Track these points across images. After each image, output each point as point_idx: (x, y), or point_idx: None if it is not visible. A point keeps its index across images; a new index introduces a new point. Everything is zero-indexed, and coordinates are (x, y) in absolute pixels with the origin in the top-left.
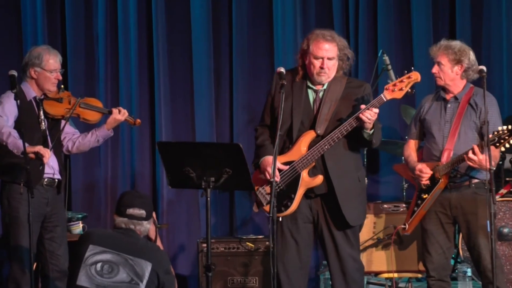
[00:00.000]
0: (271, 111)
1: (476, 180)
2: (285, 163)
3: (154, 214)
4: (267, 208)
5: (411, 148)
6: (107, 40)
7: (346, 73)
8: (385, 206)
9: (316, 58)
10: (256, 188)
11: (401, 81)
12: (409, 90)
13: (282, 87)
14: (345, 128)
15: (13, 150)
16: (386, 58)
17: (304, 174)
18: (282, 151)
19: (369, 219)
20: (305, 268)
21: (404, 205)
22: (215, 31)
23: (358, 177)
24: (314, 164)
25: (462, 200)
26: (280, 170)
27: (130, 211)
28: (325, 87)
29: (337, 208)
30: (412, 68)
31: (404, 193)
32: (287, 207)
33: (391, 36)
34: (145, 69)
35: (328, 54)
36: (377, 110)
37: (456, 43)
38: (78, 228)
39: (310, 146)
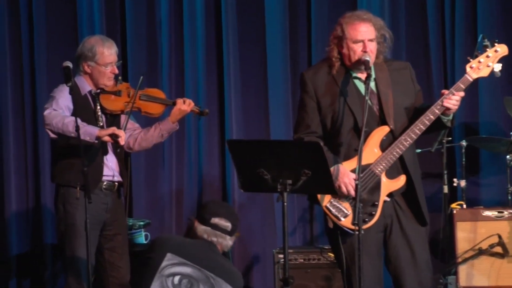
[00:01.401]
0: (321, 116)
1: None
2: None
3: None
4: (346, 222)
5: None
6: (171, 26)
7: (386, 55)
8: (487, 212)
9: (356, 42)
10: (325, 204)
11: (487, 56)
12: (496, 65)
13: (368, 78)
14: (427, 117)
15: (86, 138)
16: (487, 43)
17: (384, 177)
18: (347, 156)
19: (469, 227)
20: (380, 284)
21: (510, 210)
22: (292, 14)
23: (420, 171)
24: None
25: None
26: (354, 180)
27: (216, 220)
28: (372, 74)
29: (413, 208)
30: (497, 40)
31: (510, 197)
32: (371, 216)
33: (492, 18)
34: (213, 58)
35: (368, 36)
36: (462, 94)
37: None
38: (140, 236)
39: (382, 145)
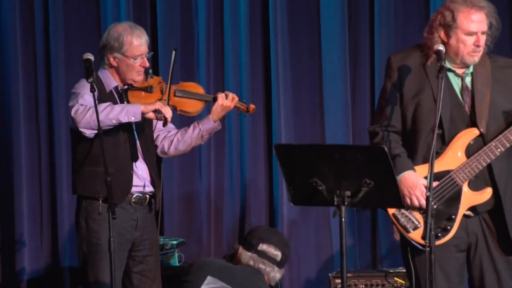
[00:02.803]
0: (402, 108)
1: None
2: (435, 174)
3: None
4: (415, 235)
5: None
6: (209, 12)
7: (490, 46)
8: None
9: (469, 34)
10: (392, 211)
11: None
12: None
13: (441, 71)
14: None
15: (131, 119)
16: None
17: (466, 187)
18: (426, 158)
19: None
20: None
21: None
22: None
23: None
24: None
25: None
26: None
27: (264, 247)
28: (470, 70)
29: (501, 228)
30: None
31: None
32: (446, 231)
33: None
34: (258, 48)
35: (482, 28)
36: None
37: None
38: (173, 258)
39: (467, 150)
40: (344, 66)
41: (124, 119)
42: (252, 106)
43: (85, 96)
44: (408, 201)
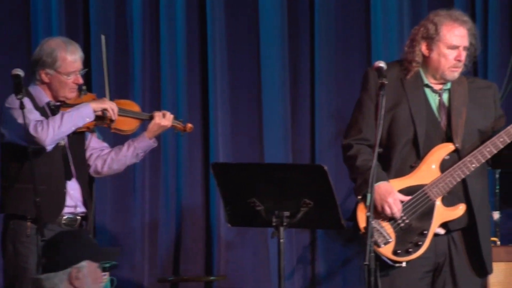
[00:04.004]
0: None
1: None
2: (409, 189)
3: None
4: (386, 250)
5: None
6: (145, 27)
7: (468, 66)
8: None
9: (451, 47)
10: (363, 225)
11: None
12: None
13: (382, 88)
14: (501, 139)
15: (85, 121)
16: None
17: (439, 202)
18: (399, 172)
19: (503, 269)
20: None
21: None
22: (291, 13)
23: (489, 206)
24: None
25: None
26: (401, 201)
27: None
28: (448, 86)
29: (472, 251)
30: None
31: None
32: (417, 247)
33: None
34: (195, 64)
35: (464, 42)
36: None
37: None
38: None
39: (442, 165)
40: (283, 83)
41: (80, 122)
42: (189, 125)
43: (33, 110)
44: (380, 208)
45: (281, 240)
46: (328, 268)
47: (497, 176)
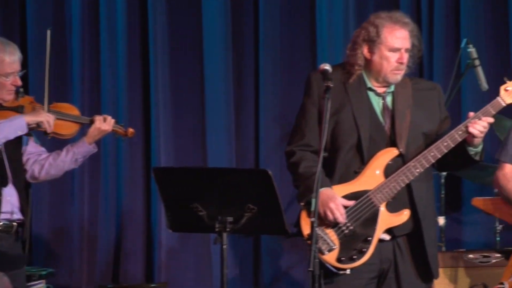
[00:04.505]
0: (320, 126)
1: None
2: (353, 194)
3: None
4: (329, 257)
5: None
6: (84, 28)
7: (411, 67)
8: (471, 256)
9: (393, 50)
10: (307, 232)
11: None
12: None
13: (328, 91)
14: (445, 143)
15: (17, 133)
16: (472, 50)
17: (384, 208)
18: (343, 178)
19: (448, 274)
20: None
21: (497, 254)
22: (235, 15)
23: (435, 211)
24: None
25: None
26: (345, 207)
27: None
28: (391, 89)
29: (417, 256)
30: None
31: (498, 238)
32: (361, 254)
33: (478, 21)
34: (137, 67)
35: (406, 44)
36: (491, 120)
37: None
38: None
39: (386, 170)
40: (227, 86)
41: (12, 135)
42: (130, 130)
43: None
44: (322, 214)
45: (224, 246)
46: (272, 274)
47: (442, 181)
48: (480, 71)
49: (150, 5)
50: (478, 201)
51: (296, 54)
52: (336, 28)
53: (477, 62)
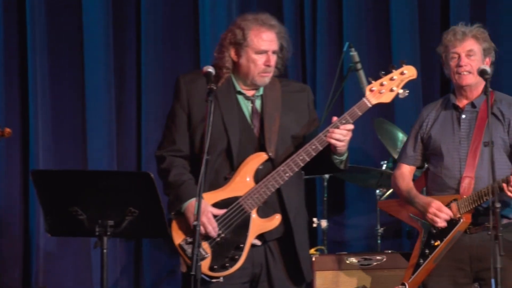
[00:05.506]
0: (190, 131)
1: (506, 221)
2: (224, 201)
3: None
4: (202, 266)
5: (408, 178)
6: None
7: (281, 69)
8: (352, 259)
9: (259, 52)
10: (178, 242)
11: (391, 79)
12: (401, 91)
13: (211, 94)
14: (313, 146)
15: None
16: (354, 54)
17: (255, 214)
18: (214, 184)
19: (330, 277)
20: None
21: (378, 257)
22: (117, 13)
23: (306, 214)
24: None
25: (487, 250)
26: (215, 216)
27: None
28: (260, 92)
29: (289, 260)
30: (404, 61)
31: (379, 241)
32: (234, 261)
33: (361, 25)
34: (14, 66)
35: (273, 47)
36: (351, 126)
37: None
38: None
39: (256, 175)
40: (108, 86)
41: None
42: (7, 130)
43: None
44: (193, 227)
45: (104, 250)
46: (154, 278)
47: (325, 184)
48: (362, 74)
49: (28, 7)
50: (383, 204)
51: (179, 54)
52: (219, 28)
53: (359, 65)
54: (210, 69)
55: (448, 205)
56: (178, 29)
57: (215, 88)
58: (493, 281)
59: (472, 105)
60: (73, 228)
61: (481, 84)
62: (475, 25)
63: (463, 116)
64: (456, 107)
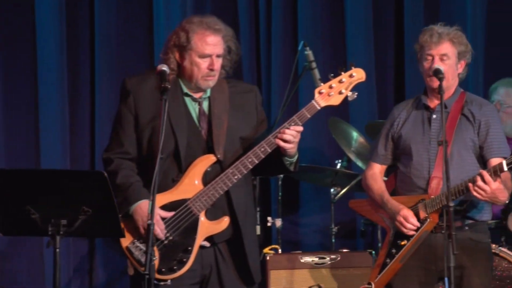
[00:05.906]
0: (137, 133)
1: (471, 221)
2: (172, 204)
3: None
4: None
5: (380, 179)
6: None
7: (229, 71)
8: (307, 258)
9: (203, 56)
10: (126, 244)
11: (340, 81)
12: (350, 94)
13: (165, 92)
14: (262, 149)
15: None
16: (309, 53)
17: (203, 217)
18: (162, 187)
19: (284, 277)
20: None
21: (333, 256)
22: (70, 10)
23: (255, 215)
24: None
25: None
26: (163, 218)
27: None
28: (208, 94)
29: (238, 261)
30: (353, 64)
31: (333, 240)
32: (182, 264)
33: (315, 24)
34: None
35: (217, 51)
36: (300, 128)
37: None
38: None
39: (205, 177)
40: (62, 84)
41: None
42: None
43: None
44: (142, 230)
45: (57, 250)
46: (107, 277)
47: (280, 183)
48: (316, 73)
49: None
50: (354, 203)
51: (133, 52)
52: (173, 27)
53: (313, 64)
54: (165, 67)
55: (415, 205)
56: (132, 28)
57: (169, 86)
58: (446, 279)
59: (444, 106)
60: (26, 227)
61: (453, 85)
62: (454, 27)
63: (434, 116)
64: (427, 107)
